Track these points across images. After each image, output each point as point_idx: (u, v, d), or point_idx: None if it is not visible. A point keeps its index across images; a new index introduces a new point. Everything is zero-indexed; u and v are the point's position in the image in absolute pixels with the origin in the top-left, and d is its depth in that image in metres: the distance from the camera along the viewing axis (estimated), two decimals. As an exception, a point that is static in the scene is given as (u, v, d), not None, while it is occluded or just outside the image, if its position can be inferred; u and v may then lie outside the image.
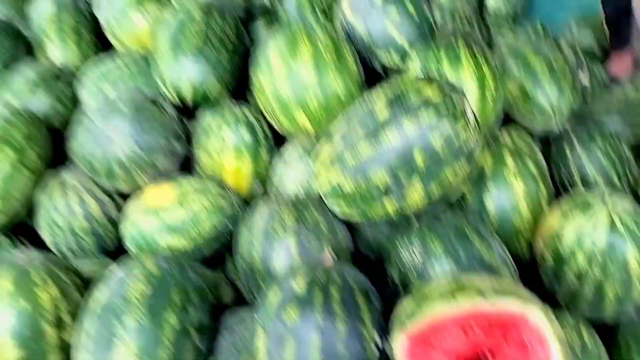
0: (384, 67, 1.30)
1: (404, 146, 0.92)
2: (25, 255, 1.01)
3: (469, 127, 0.94)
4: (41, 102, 1.43)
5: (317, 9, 1.48)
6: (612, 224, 0.93)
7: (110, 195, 1.30)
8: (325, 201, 1.07)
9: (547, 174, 1.21)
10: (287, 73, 1.18)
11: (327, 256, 0.97)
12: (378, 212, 1.00)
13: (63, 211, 1.25)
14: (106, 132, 1.19)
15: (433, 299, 0.75)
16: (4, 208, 1.24)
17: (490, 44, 2.05)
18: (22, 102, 1.42)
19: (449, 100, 0.94)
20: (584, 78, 1.68)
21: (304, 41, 1.19)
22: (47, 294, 0.96)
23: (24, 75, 1.47)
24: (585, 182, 1.25)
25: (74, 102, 1.49)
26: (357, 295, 0.82)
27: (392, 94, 0.97)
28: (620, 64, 2.16)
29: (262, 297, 0.88)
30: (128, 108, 1.21)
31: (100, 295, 0.91)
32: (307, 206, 1.08)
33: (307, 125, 1.22)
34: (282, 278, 0.91)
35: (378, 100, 0.98)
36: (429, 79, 0.99)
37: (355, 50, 1.27)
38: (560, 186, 1.30)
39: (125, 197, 1.31)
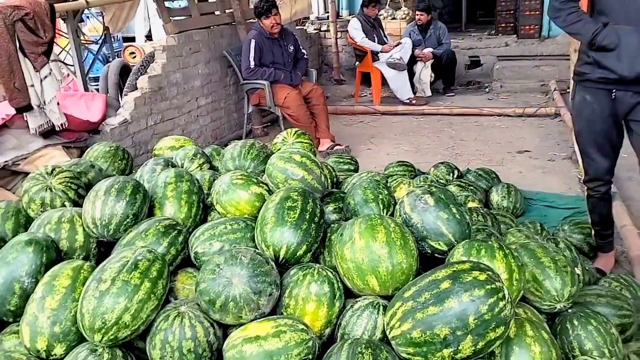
0: (433, 252, 1.76)
1: (461, 311, 1.33)
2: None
3: (505, 301, 1.36)
4: (162, 247, 1.86)
5: (379, 202, 2.00)
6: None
7: (212, 325, 1.66)
8: (394, 345, 1.44)
9: (557, 342, 1.59)
10: (366, 248, 1.63)
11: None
12: (437, 357, 1.36)
13: (177, 333, 1.59)
14: (228, 277, 1.60)
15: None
16: (131, 325, 1.58)
17: (500, 234, 2.55)
18: (148, 245, 1.84)
19: (492, 282, 1.37)
20: (578, 270, 2.13)
21: (380, 227, 1.67)
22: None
23: (152, 224, 1.91)
24: (584, 353, 1.63)
25: (182, 247, 1.92)
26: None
27: (451, 272, 1.40)
28: (605, 261, 2.64)
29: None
30: (247, 259, 1.63)
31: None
32: (379, 347, 1.45)
33: (376, 287, 1.64)
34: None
35: (441, 275, 1.41)
36: (477, 266, 1.43)
37: (413, 236, 1.74)
38: (563, 355, 1.67)
39: (221, 326, 1.67)
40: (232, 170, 2.31)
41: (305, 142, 2.68)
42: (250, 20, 5.56)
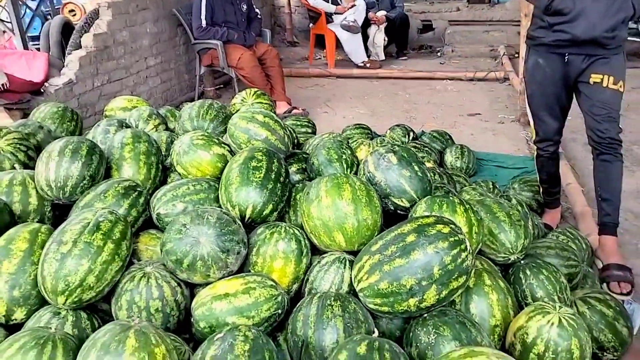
0: (396, 208, 1.81)
1: (427, 262, 1.39)
2: (138, 322, 1.33)
3: (467, 252, 1.42)
4: (122, 208, 1.82)
5: (343, 162, 2.02)
6: (560, 323, 1.40)
7: (179, 284, 1.65)
8: (361, 296, 1.49)
9: (511, 290, 1.69)
10: (332, 205, 1.66)
11: (375, 333, 1.37)
12: (403, 307, 1.42)
13: (144, 293, 1.58)
14: (195, 236, 1.59)
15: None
16: (96, 287, 1.55)
17: (455, 190, 2.63)
18: (107, 207, 1.79)
19: (455, 234, 1.43)
20: (530, 225, 2.25)
21: (346, 185, 1.70)
22: (160, 350, 1.27)
23: (111, 186, 1.85)
24: (535, 299, 1.73)
25: (144, 209, 1.89)
26: (401, 357, 1.22)
27: (417, 226, 1.45)
28: (552, 217, 2.79)
29: (332, 358, 1.24)
30: (214, 219, 1.62)
31: (212, 351, 1.24)
32: (347, 299, 1.50)
33: (342, 243, 1.67)
34: (340, 345, 1.28)
35: (407, 229, 1.46)
36: (441, 220, 1.48)
37: (377, 194, 1.78)
38: (516, 300, 1.77)
39: (188, 285, 1.67)
40: (191, 131, 2.27)
41: (265, 103, 2.65)
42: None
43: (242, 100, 2.66)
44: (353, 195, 1.67)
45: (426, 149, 3.39)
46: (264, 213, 1.79)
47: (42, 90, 3.85)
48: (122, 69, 4.50)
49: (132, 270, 1.64)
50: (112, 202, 1.81)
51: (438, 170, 2.69)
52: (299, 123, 3.33)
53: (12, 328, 1.58)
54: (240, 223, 1.71)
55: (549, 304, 1.49)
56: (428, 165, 3.16)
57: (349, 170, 2.03)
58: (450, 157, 3.45)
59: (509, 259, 1.84)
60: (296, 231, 1.74)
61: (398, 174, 1.80)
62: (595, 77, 2.26)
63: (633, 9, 2.15)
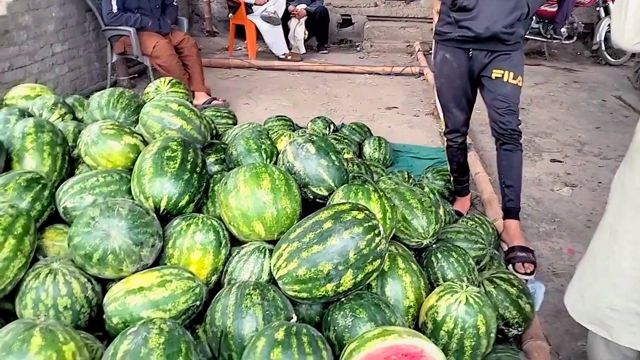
0: (315, 196, 1.83)
1: (342, 247, 1.42)
2: (44, 320, 1.26)
3: (381, 237, 1.47)
4: (26, 203, 1.70)
5: (262, 152, 2.01)
6: (467, 301, 1.49)
7: (89, 280, 1.58)
8: (280, 284, 1.50)
9: (424, 272, 1.77)
10: (251, 195, 1.65)
11: (294, 318, 1.38)
12: (321, 292, 1.45)
13: (50, 290, 1.49)
14: (105, 229, 1.52)
15: (370, 339, 1.20)
16: (-4, 285, 1.45)
17: (373, 180, 2.71)
18: (8, 201, 1.67)
19: (369, 220, 1.48)
20: (442, 211, 2.36)
21: (264, 174, 1.69)
22: (69, 348, 1.21)
23: (11, 178, 1.73)
24: (446, 281, 1.83)
25: (49, 203, 1.78)
26: (318, 340, 1.25)
27: (333, 213, 1.48)
28: (462, 204, 2.95)
29: (250, 346, 1.24)
30: (125, 210, 1.56)
31: (124, 345, 1.20)
32: (266, 287, 1.50)
33: (262, 232, 1.67)
34: (259, 332, 1.28)
35: (323, 216, 1.49)
36: (356, 206, 1.52)
37: (296, 183, 1.79)
38: (430, 284, 1.86)
39: (99, 281, 1.60)
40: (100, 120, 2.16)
41: (181, 92, 2.58)
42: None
43: (156, 89, 2.57)
44: (272, 184, 1.68)
45: (346, 140, 3.45)
46: (180, 204, 1.75)
47: None
48: (25, 55, 4.19)
49: (37, 266, 1.55)
50: (14, 196, 1.69)
51: (356, 161, 2.75)
52: (219, 114, 3.27)
53: None
54: (154, 215, 1.66)
55: (457, 284, 1.57)
56: (347, 156, 3.23)
57: (268, 160, 2.03)
58: (368, 149, 3.55)
59: (422, 244, 1.93)
60: (214, 222, 1.71)
61: (316, 163, 1.83)
62: (496, 72, 2.41)
63: (527, 7, 2.31)
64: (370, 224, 1.48)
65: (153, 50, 4.57)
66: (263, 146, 2.05)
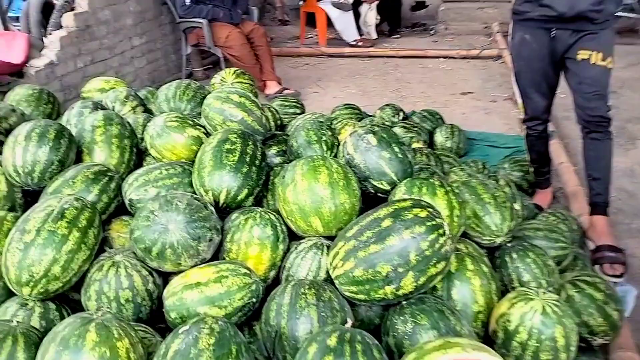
0: (376, 191, 1.74)
1: (402, 248, 1.32)
2: (102, 315, 1.27)
3: (446, 237, 1.36)
4: (92, 194, 1.74)
5: (323, 144, 1.94)
6: (544, 310, 1.34)
7: (150, 273, 1.59)
8: (337, 284, 1.43)
9: (495, 274, 1.63)
10: (308, 190, 1.59)
11: (349, 323, 1.31)
12: (379, 295, 1.36)
13: (113, 283, 1.52)
14: (164, 223, 1.52)
15: (430, 351, 1.10)
16: (62, 277, 1.49)
17: (443, 173, 2.57)
18: (76, 193, 1.72)
19: (433, 218, 1.36)
20: (517, 206, 2.18)
21: (322, 167, 1.62)
22: (122, 345, 1.21)
23: (80, 171, 1.78)
24: (522, 284, 1.68)
25: (115, 195, 1.82)
26: (374, 349, 1.16)
27: (393, 210, 1.38)
28: (543, 197, 2.73)
29: (302, 351, 1.18)
30: (183, 205, 1.55)
31: (175, 345, 1.18)
32: (323, 287, 1.43)
33: (319, 228, 1.61)
34: (311, 337, 1.22)
35: (382, 214, 1.39)
36: (418, 203, 1.41)
37: (356, 176, 1.70)
38: (502, 286, 1.72)
39: (160, 275, 1.60)
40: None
41: (246, 82, 2.56)
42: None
43: (221, 80, 2.57)
44: (330, 178, 1.60)
45: (416, 129, 3.31)
46: (239, 198, 1.72)
47: (22, 73, 3.75)
48: (106, 49, 4.38)
49: (101, 259, 1.58)
50: (81, 188, 1.73)
51: (425, 151, 2.62)
52: (286, 104, 3.25)
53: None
54: (212, 209, 1.64)
55: (532, 290, 1.42)
56: (416, 145, 3.09)
57: (329, 152, 1.96)
58: (440, 137, 3.39)
59: (495, 242, 1.78)
60: (272, 216, 1.67)
61: (377, 155, 1.72)
62: (582, 54, 2.18)
63: None
64: (433, 222, 1.37)
65: (225, 40, 4.63)
66: (324, 137, 1.98)
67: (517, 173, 2.82)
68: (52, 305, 1.53)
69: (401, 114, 3.64)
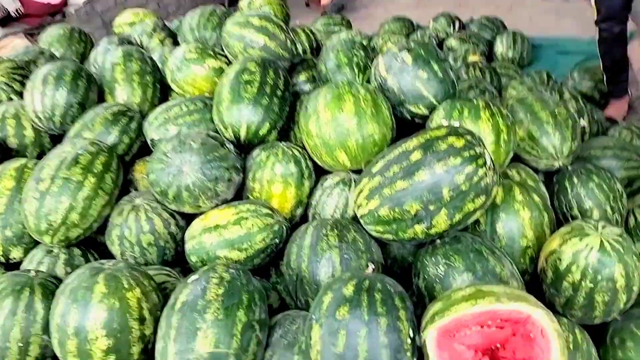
0: (413, 117, 1.54)
1: (434, 183, 1.15)
2: (113, 264, 1.22)
3: (486, 168, 1.16)
4: (112, 136, 1.67)
5: (354, 66, 1.73)
6: (602, 246, 1.14)
7: (172, 215, 1.52)
8: (362, 223, 1.29)
9: (549, 204, 1.42)
10: (332, 121, 1.42)
11: (370, 268, 1.18)
12: (409, 234, 1.21)
13: (133, 227, 1.47)
14: (178, 165, 1.42)
15: (458, 302, 0.96)
16: (81, 224, 1.45)
17: (499, 89, 2.29)
18: (96, 136, 1.65)
19: (471, 147, 1.17)
20: (584, 122, 1.90)
21: (348, 95, 1.43)
22: (133, 295, 1.16)
23: (98, 113, 1.70)
24: (583, 213, 1.47)
25: (137, 135, 1.74)
26: (395, 297, 1.03)
27: (424, 141, 1.19)
28: (617, 108, 2.39)
29: (317, 299, 1.08)
30: (197, 144, 1.44)
31: (183, 296, 1.11)
32: (347, 227, 1.30)
33: (346, 162, 1.45)
34: (327, 285, 1.10)
35: (412, 145, 1.21)
36: (454, 131, 1.21)
37: (388, 102, 1.50)
38: (561, 215, 1.51)
39: (184, 216, 1.53)
40: (193, 43, 2.03)
41: (275, 5, 2.34)
42: None
43: (249, 3, 2.37)
44: (356, 107, 1.41)
45: (472, 39, 2.98)
46: (261, 133, 1.58)
47: (63, 13, 3.72)
48: (145, -20, 4.24)
49: (121, 203, 1.53)
50: (101, 131, 1.66)
51: (480, 65, 2.33)
52: (331, 22, 3.01)
53: (13, 267, 1.55)
54: (231, 146, 1.52)
55: (589, 223, 1.21)
56: (473, 58, 2.79)
57: (361, 75, 1.74)
58: (500, 47, 3.05)
59: (553, 166, 1.56)
60: (296, 152, 1.53)
61: (413, 76, 1.50)
62: None
63: None
64: (471, 152, 1.17)
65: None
66: (355, 59, 1.75)
67: (587, 82, 2.48)
68: (77, 252, 1.52)
69: (457, 23, 3.30)
